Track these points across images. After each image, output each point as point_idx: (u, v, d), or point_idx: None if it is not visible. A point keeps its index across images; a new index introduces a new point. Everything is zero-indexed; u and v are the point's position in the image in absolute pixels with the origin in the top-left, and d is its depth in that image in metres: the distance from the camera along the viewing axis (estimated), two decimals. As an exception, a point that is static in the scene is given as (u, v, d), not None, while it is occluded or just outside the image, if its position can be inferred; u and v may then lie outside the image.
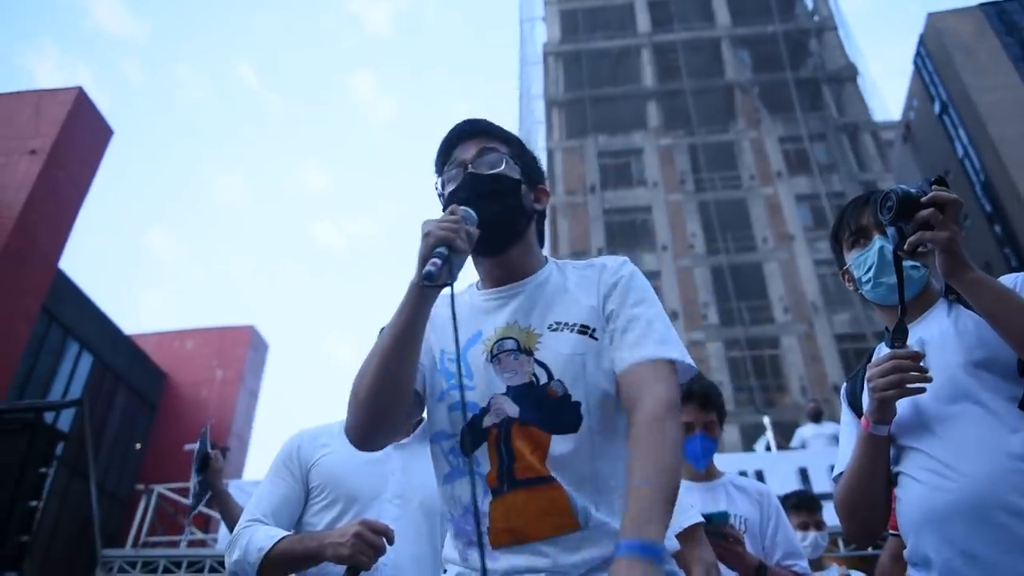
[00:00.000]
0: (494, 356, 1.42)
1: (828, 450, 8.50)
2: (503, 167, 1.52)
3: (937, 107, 27.19)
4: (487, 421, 1.37)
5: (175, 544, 9.94)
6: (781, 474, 7.65)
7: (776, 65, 27.05)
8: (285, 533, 1.98)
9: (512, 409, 1.36)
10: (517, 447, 1.33)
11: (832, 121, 25.93)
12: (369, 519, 1.87)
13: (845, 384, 1.96)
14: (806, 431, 9.53)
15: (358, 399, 1.37)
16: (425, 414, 1.54)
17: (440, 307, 1.48)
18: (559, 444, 1.33)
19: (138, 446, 18.67)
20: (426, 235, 1.31)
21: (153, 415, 19.87)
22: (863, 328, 21.12)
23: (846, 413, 1.90)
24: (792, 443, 9.72)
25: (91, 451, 8.50)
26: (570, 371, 1.38)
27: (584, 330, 1.42)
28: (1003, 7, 26.29)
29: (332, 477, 2.11)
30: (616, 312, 1.43)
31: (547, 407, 1.36)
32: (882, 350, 1.83)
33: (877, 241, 1.80)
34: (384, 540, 1.81)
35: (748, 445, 16.40)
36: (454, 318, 1.33)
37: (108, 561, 9.00)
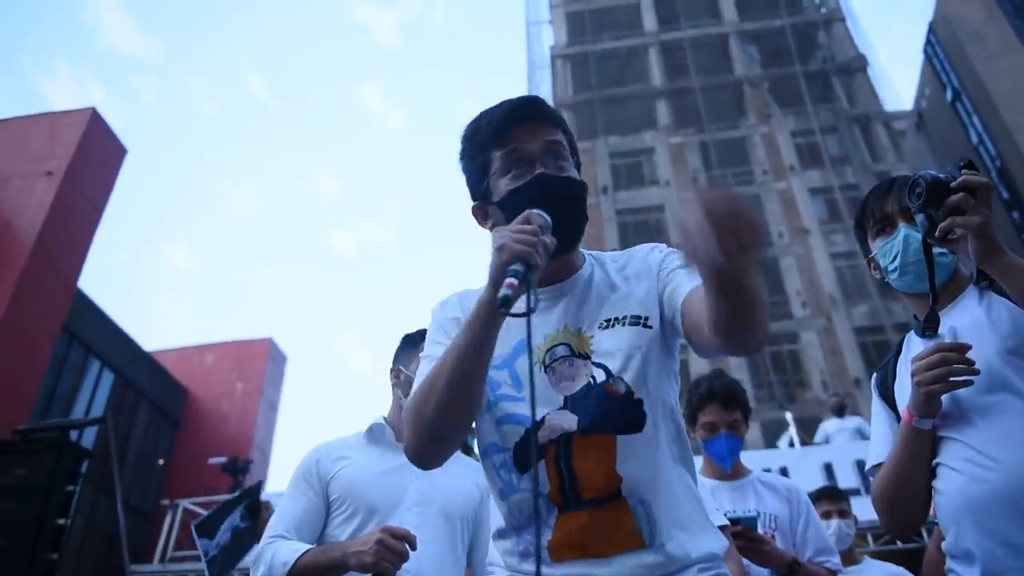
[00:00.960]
0: (547, 367, 1.36)
1: (852, 444, 8.43)
2: (572, 169, 1.44)
3: (949, 94, 26.94)
4: (542, 436, 1.30)
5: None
6: (805, 470, 7.58)
7: (785, 59, 26.94)
8: (308, 546, 2.00)
9: (569, 422, 1.30)
10: (578, 465, 1.27)
11: (843, 113, 25.79)
12: (391, 525, 1.89)
13: (875, 375, 1.92)
14: (829, 426, 9.46)
15: (422, 419, 1.28)
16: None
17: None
18: (625, 446, 1.28)
19: (161, 462, 18.79)
20: (499, 248, 1.18)
21: (175, 430, 19.99)
22: (882, 320, 20.97)
23: (877, 404, 1.87)
24: (816, 438, 9.65)
25: (116, 469, 8.57)
26: (630, 367, 1.32)
27: (637, 320, 1.37)
28: (1013, -9, 26.01)
29: (351, 489, 2.13)
30: (668, 272, 1.40)
31: (608, 407, 1.30)
32: (912, 340, 1.80)
33: (902, 229, 1.77)
34: (406, 546, 1.82)
35: (770, 442, 16.28)
36: (530, 352, 1.22)
37: (136, 577, 9.05)
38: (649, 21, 28.76)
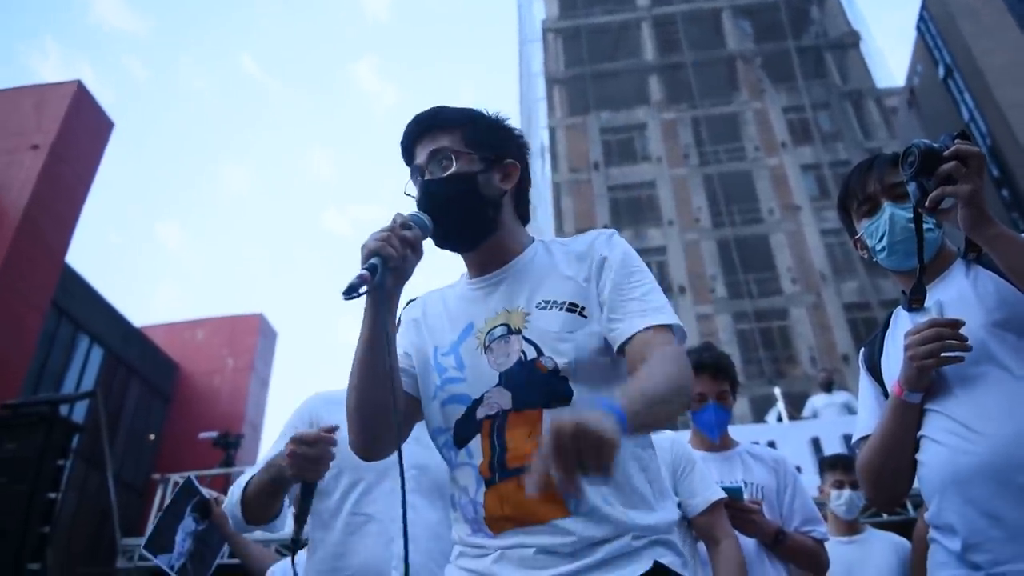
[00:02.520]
0: (487, 348, 1.42)
1: (840, 419, 8.50)
2: (455, 167, 1.48)
3: (941, 71, 26.86)
4: (480, 413, 1.38)
5: (193, 532, 10.02)
6: (793, 444, 7.64)
7: (778, 34, 26.80)
8: (257, 470, 2.00)
9: (504, 399, 1.36)
10: (509, 436, 1.33)
11: (836, 89, 25.74)
12: (303, 431, 1.85)
13: (863, 350, 1.94)
14: (818, 401, 9.54)
15: (350, 416, 1.42)
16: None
17: (431, 304, 1.57)
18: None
19: (152, 437, 18.80)
20: (361, 247, 1.32)
21: (166, 405, 19.98)
22: (870, 297, 21.09)
23: (864, 378, 1.88)
24: (804, 413, 9.73)
25: (107, 442, 8.57)
26: (559, 348, 1.37)
27: (573, 308, 1.42)
28: (1007, -32, 25.88)
29: (342, 445, 2.09)
30: (609, 285, 1.42)
31: (537, 383, 1.36)
32: (900, 314, 1.82)
33: (887, 208, 1.77)
34: (324, 446, 1.79)
35: (759, 417, 16.42)
36: (388, 342, 1.35)
37: (128, 550, 9.09)
38: (642, -5, 28.52)
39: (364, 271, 1.27)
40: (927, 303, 1.71)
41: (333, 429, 1.82)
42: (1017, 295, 1.55)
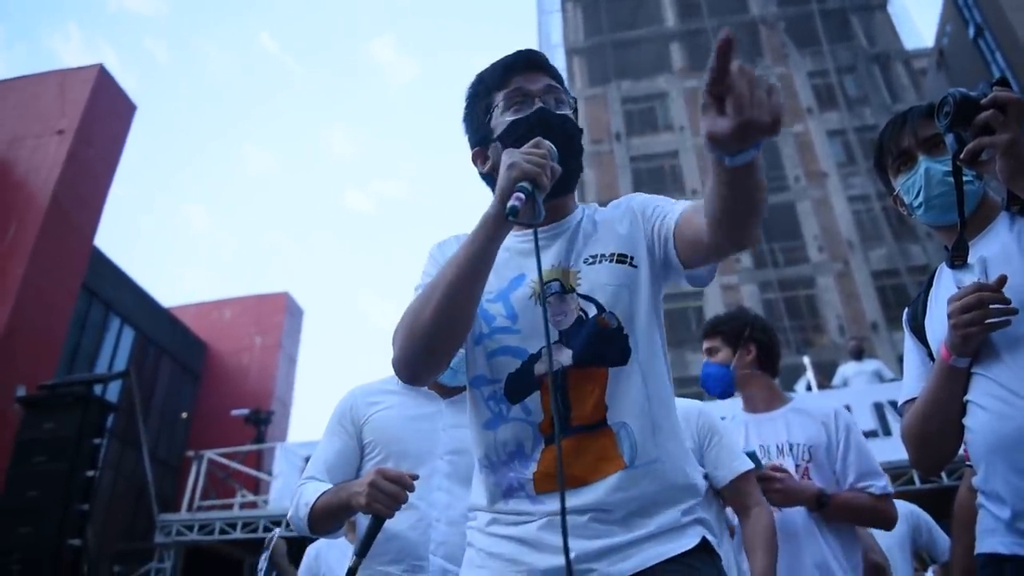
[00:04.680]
0: (545, 299, 1.37)
1: (870, 387, 8.43)
2: (571, 112, 1.49)
3: (972, 31, 26.17)
4: (539, 369, 1.33)
5: (228, 507, 10.22)
6: (823, 413, 7.59)
7: (802, -3, 26.21)
8: (329, 487, 2.02)
9: (565, 356, 1.33)
10: (573, 396, 1.31)
11: (862, 52, 25.17)
12: (386, 468, 1.87)
13: (906, 310, 1.89)
14: (848, 369, 9.46)
15: (414, 332, 1.30)
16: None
17: None
18: (614, 377, 1.32)
19: (184, 415, 19.11)
20: (510, 166, 1.24)
21: (197, 384, 20.28)
22: (898, 264, 20.77)
23: (908, 340, 1.84)
24: (834, 381, 9.66)
25: (141, 419, 8.73)
26: (617, 301, 1.36)
27: (622, 259, 1.41)
28: (1039, -79, 25.04)
29: (384, 434, 2.13)
30: (653, 208, 1.45)
31: (601, 340, 1.34)
32: (943, 271, 1.77)
33: (922, 162, 1.72)
34: (401, 488, 1.79)
35: (787, 387, 16.32)
36: (538, 259, 1.26)
37: (165, 525, 9.30)
38: (662, -39, 28.01)
39: (522, 194, 1.20)
40: (970, 259, 1.66)
41: (415, 477, 1.84)
42: None
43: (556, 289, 1.40)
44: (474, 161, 1.55)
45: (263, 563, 3.21)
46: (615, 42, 26.46)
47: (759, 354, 2.73)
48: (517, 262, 1.46)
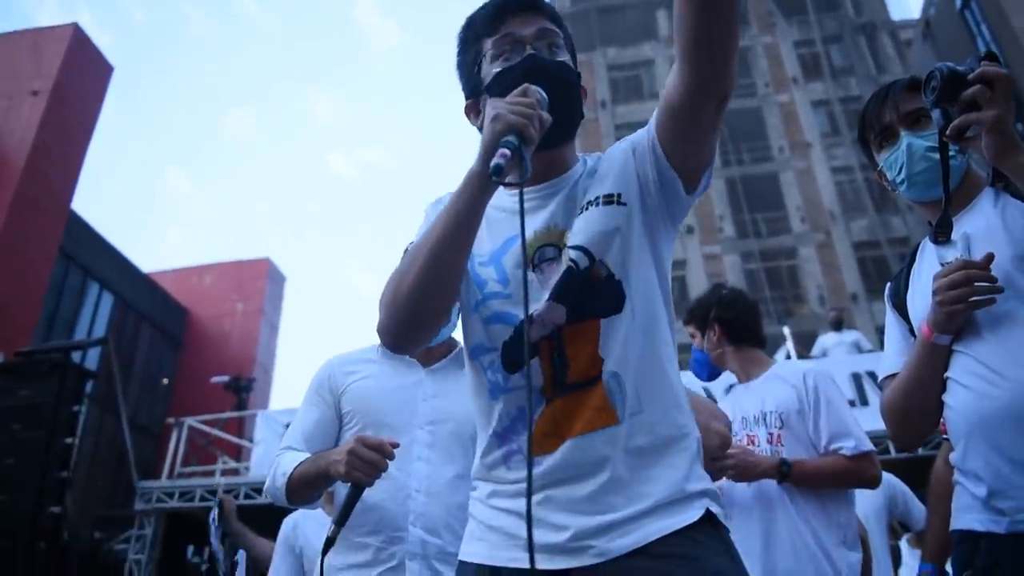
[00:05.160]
0: (536, 266, 1.30)
1: (849, 358, 8.51)
2: (567, 57, 1.39)
3: (958, 2, 26.13)
4: (534, 333, 1.25)
5: (210, 473, 10.23)
6: (802, 383, 7.68)
7: (790, -35, 26.01)
8: (307, 456, 2.00)
9: (559, 314, 1.25)
10: (570, 353, 1.24)
11: (849, 22, 25.10)
12: (366, 435, 1.85)
13: (889, 285, 1.89)
14: (827, 340, 9.56)
15: (397, 298, 1.23)
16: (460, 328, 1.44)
17: None
18: (607, 327, 1.25)
19: (165, 381, 19.04)
20: (493, 119, 1.14)
21: (178, 350, 20.18)
22: (879, 236, 20.92)
23: (890, 315, 1.84)
24: (813, 352, 9.75)
25: (119, 387, 8.68)
26: (608, 247, 1.27)
27: (610, 199, 1.30)
28: None
29: (362, 403, 2.10)
30: (638, 133, 1.35)
31: (592, 291, 1.26)
32: (927, 246, 1.76)
33: (904, 138, 1.70)
34: (381, 456, 1.76)
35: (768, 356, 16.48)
36: (522, 221, 1.15)
37: (146, 492, 9.29)
38: (649, -75, 27.65)
39: (506, 150, 1.09)
40: (954, 235, 1.64)
41: (396, 444, 1.80)
42: None
43: (552, 255, 1.30)
44: (467, 114, 1.45)
45: (213, 522, 3.37)
46: (600, 8, 26.20)
47: (725, 331, 2.73)
48: (512, 223, 1.32)
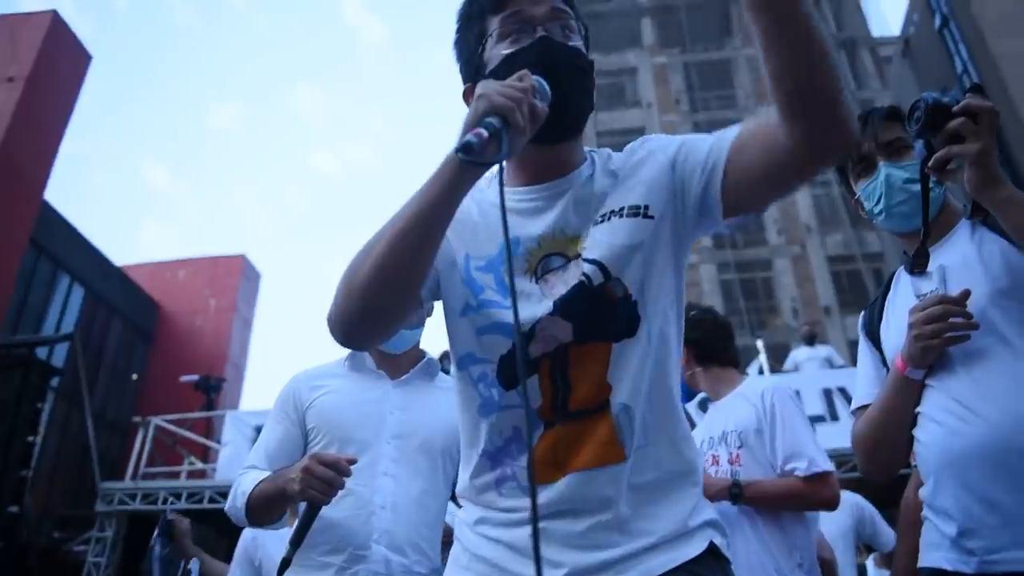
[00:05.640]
0: (539, 277, 1.20)
1: (821, 373, 8.58)
2: (579, 42, 1.27)
3: (938, 21, 26.46)
4: (535, 349, 1.15)
5: (175, 475, 10.08)
6: (774, 397, 7.72)
7: (773, -21, 26.26)
8: (267, 475, 1.95)
9: (564, 331, 1.15)
10: (574, 376, 1.15)
11: (830, 37, 25.30)
12: (321, 452, 1.82)
13: (863, 314, 1.89)
14: (800, 354, 9.62)
15: (351, 288, 1.11)
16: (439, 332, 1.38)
17: (467, 201, 1.14)
18: (618, 352, 1.15)
19: (135, 377, 18.77)
20: (479, 97, 1.02)
21: (149, 345, 19.91)
22: (854, 250, 21.15)
23: (864, 344, 1.84)
24: (785, 366, 9.81)
25: (85, 387, 8.53)
26: (627, 265, 1.16)
27: (636, 211, 1.19)
28: (1009, -85, 25.37)
29: (327, 418, 2.06)
30: (684, 144, 1.23)
31: (604, 311, 1.15)
32: (901, 277, 1.76)
33: (883, 168, 1.70)
34: (336, 473, 1.73)
35: (741, 368, 16.59)
36: (503, 206, 1.00)
37: (108, 494, 9.11)
38: (636, -66, 27.79)
39: (483, 130, 0.97)
40: (930, 267, 1.65)
41: (353, 460, 1.77)
42: (1022, 260, 1.49)
43: (558, 264, 1.19)
44: (465, 99, 1.30)
45: (156, 543, 3.12)
46: (585, 14, 25.71)
47: (693, 352, 2.70)
48: (512, 224, 1.19)
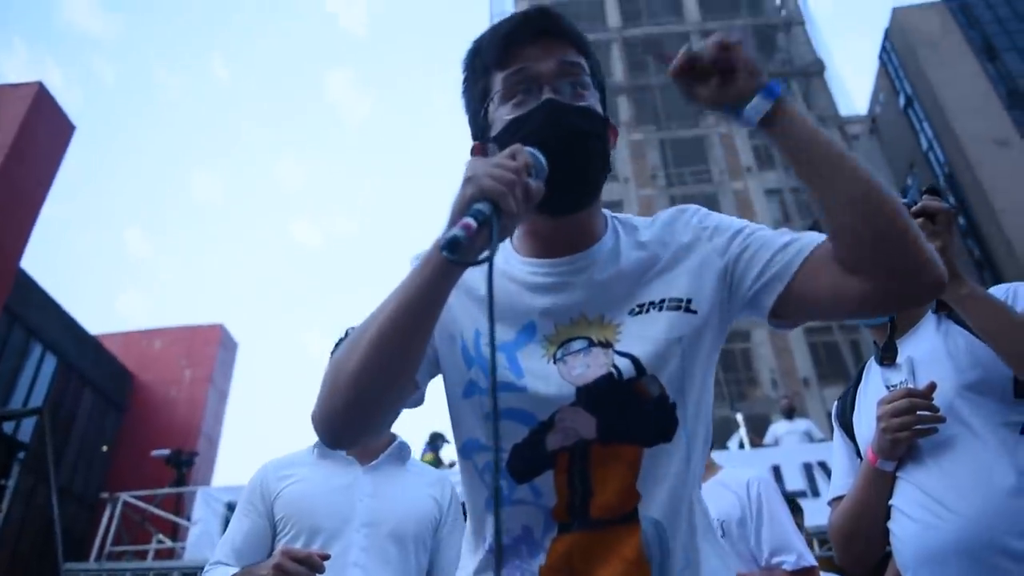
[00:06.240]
0: (558, 360, 1.09)
1: (801, 447, 8.58)
2: (592, 100, 1.14)
3: (902, 101, 27.52)
4: (552, 442, 1.05)
5: (142, 554, 9.74)
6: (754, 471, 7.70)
7: (745, 60, 27.24)
8: (235, 571, 1.92)
9: (587, 426, 1.04)
10: (596, 478, 1.04)
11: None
12: (292, 547, 1.80)
13: (835, 404, 1.92)
14: (779, 428, 9.63)
15: (335, 387, 1.02)
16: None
17: (475, 272, 0.98)
18: (651, 459, 1.05)
19: (105, 448, 18.34)
20: (467, 180, 0.93)
21: (121, 416, 19.53)
22: (831, 322, 21.39)
23: (837, 435, 1.86)
24: (765, 439, 9.80)
25: (52, 464, 8.29)
26: (667, 363, 1.06)
27: (678, 304, 1.09)
28: (966, 2, 26.69)
29: (296, 508, 2.03)
30: (739, 236, 1.12)
31: (637, 411, 1.05)
32: (871, 368, 1.80)
33: None
34: (308, 569, 1.72)
35: (721, 441, 16.52)
36: (491, 309, 0.88)
37: (72, 574, 8.79)
38: (613, 17, 28.80)
39: (471, 220, 0.87)
40: (899, 359, 1.69)
41: (326, 556, 1.76)
42: (989, 353, 1.53)
43: (581, 347, 1.09)
44: (472, 155, 1.20)
45: None
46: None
47: None
48: (527, 303, 1.13)
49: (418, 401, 1.14)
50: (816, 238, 1.06)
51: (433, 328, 1.03)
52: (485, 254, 0.87)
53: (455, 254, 0.85)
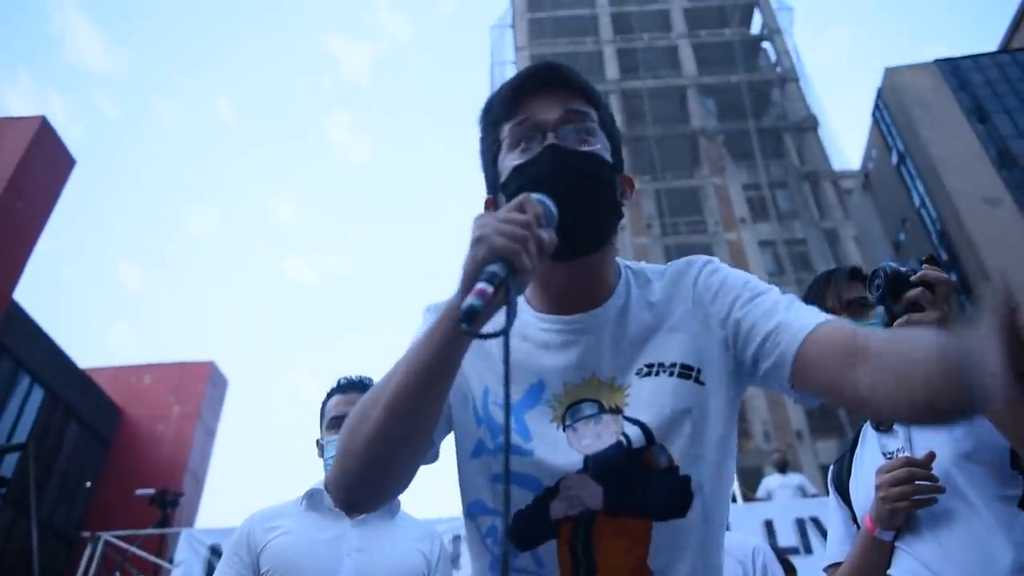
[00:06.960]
0: (567, 426, 1.05)
1: (794, 502, 8.50)
2: (598, 145, 1.11)
3: (895, 157, 27.93)
4: (556, 510, 1.01)
5: (124, 596, 9.52)
6: (746, 526, 7.58)
7: (740, 114, 27.67)
8: None
9: (594, 496, 1.00)
10: (602, 553, 1.00)
11: (794, 169, 26.53)
12: None
13: (832, 468, 1.92)
14: (772, 481, 9.55)
15: (349, 451, 0.99)
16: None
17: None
18: (663, 534, 1.01)
19: (88, 484, 18.05)
20: (477, 240, 0.87)
21: (106, 451, 19.25)
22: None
23: (833, 499, 1.86)
24: (758, 493, 9.71)
25: (34, 499, 8.15)
26: (675, 433, 1.02)
27: (687, 373, 1.05)
28: (956, 63, 27.29)
29: (282, 561, 1.99)
30: (742, 306, 1.06)
31: (645, 483, 1.01)
32: (868, 432, 1.80)
33: None
34: None
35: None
36: (507, 381, 0.83)
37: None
38: (611, 69, 29.32)
39: (486, 286, 0.82)
40: (895, 425, 1.69)
41: None
42: (985, 423, 1.53)
43: (591, 412, 1.05)
44: (486, 208, 1.18)
45: None
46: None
47: None
48: (536, 362, 1.09)
49: (433, 457, 1.10)
50: (813, 320, 1.00)
51: (448, 392, 0.99)
52: (501, 325, 0.82)
53: (472, 325, 0.81)
